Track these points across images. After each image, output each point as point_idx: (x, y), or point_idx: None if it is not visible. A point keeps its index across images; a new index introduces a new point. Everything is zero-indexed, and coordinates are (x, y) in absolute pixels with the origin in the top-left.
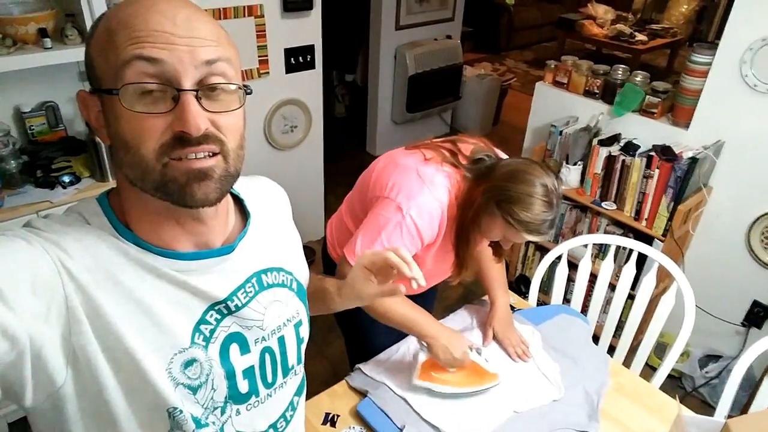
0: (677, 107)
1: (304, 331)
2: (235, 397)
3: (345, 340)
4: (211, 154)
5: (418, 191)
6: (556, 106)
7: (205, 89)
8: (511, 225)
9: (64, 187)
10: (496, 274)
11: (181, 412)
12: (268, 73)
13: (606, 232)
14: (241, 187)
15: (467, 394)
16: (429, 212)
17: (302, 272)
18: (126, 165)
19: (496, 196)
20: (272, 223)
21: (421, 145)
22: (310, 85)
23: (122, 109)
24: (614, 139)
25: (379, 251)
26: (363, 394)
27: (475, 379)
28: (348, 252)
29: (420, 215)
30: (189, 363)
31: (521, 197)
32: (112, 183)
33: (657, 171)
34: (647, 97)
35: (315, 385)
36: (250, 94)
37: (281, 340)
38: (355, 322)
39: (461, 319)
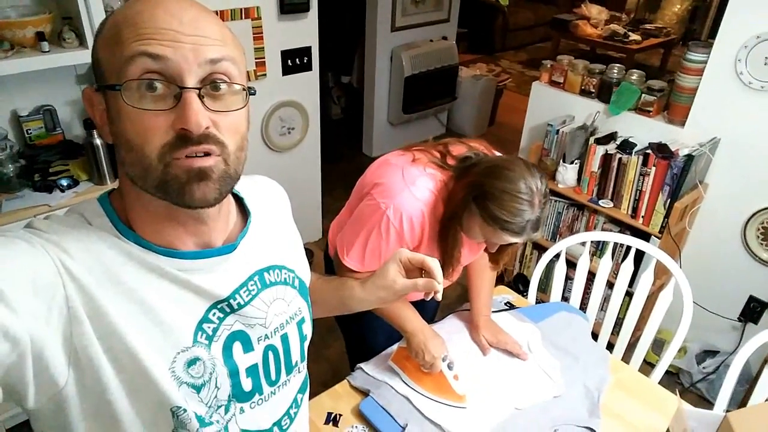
0: (673, 105)
1: (307, 329)
2: (238, 395)
3: (345, 341)
4: (209, 154)
5: (399, 191)
6: (553, 105)
7: (208, 88)
8: (487, 223)
9: (62, 191)
10: (481, 286)
11: (184, 411)
12: (265, 75)
13: (603, 230)
14: (241, 186)
15: (427, 398)
16: (408, 213)
17: (304, 270)
18: (128, 164)
19: (473, 192)
20: (273, 222)
21: (415, 146)
22: (307, 86)
23: (124, 106)
24: (611, 137)
25: (418, 254)
26: (365, 393)
27: (439, 389)
28: (339, 247)
29: (396, 215)
30: (192, 362)
31: (497, 194)
32: (109, 186)
33: (653, 169)
34: (643, 95)
35: (314, 386)
36: (253, 95)
37: (284, 338)
38: (355, 322)
39: (450, 325)
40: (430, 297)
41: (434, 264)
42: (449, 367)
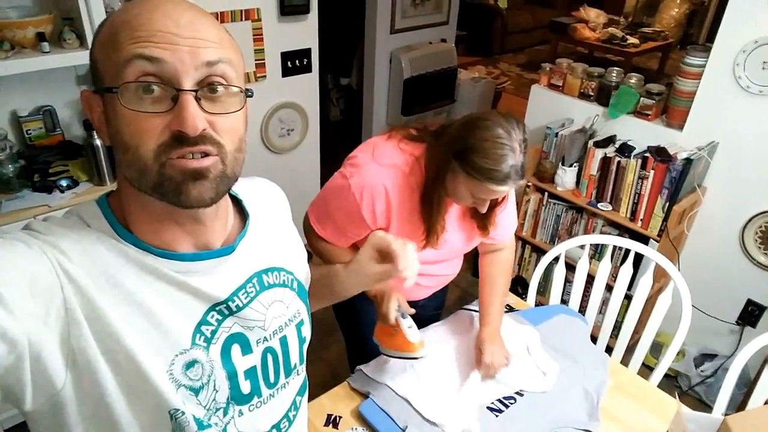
0: (671, 109)
1: (306, 331)
2: (237, 397)
3: (345, 341)
4: (206, 154)
5: (364, 164)
6: (552, 108)
7: (205, 90)
8: (473, 177)
9: (62, 192)
10: (492, 296)
11: (183, 413)
12: (265, 76)
13: (602, 233)
14: (239, 188)
15: (397, 357)
16: (369, 186)
17: (303, 272)
18: (125, 165)
19: (453, 148)
20: (271, 224)
21: (396, 127)
22: (306, 88)
23: (121, 108)
24: (609, 140)
25: (388, 238)
26: (364, 395)
27: (400, 345)
28: (311, 214)
29: (357, 189)
30: (190, 364)
31: (478, 144)
32: (109, 187)
33: (652, 172)
34: (642, 99)
35: (313, 388)
36: (250, 97)
37: (283, 340)
38: (356, 321)
39: (449, 326)
40: (407, 283)
41: (397, 248)
42: (403, 316)
